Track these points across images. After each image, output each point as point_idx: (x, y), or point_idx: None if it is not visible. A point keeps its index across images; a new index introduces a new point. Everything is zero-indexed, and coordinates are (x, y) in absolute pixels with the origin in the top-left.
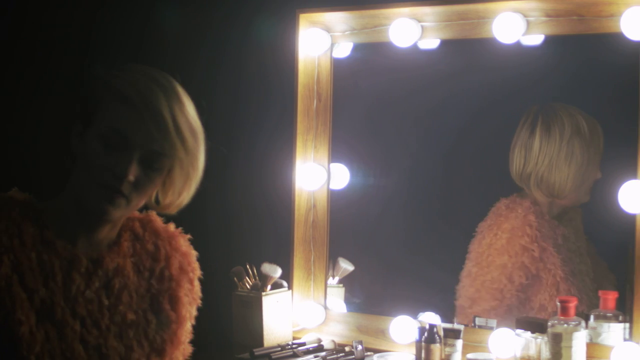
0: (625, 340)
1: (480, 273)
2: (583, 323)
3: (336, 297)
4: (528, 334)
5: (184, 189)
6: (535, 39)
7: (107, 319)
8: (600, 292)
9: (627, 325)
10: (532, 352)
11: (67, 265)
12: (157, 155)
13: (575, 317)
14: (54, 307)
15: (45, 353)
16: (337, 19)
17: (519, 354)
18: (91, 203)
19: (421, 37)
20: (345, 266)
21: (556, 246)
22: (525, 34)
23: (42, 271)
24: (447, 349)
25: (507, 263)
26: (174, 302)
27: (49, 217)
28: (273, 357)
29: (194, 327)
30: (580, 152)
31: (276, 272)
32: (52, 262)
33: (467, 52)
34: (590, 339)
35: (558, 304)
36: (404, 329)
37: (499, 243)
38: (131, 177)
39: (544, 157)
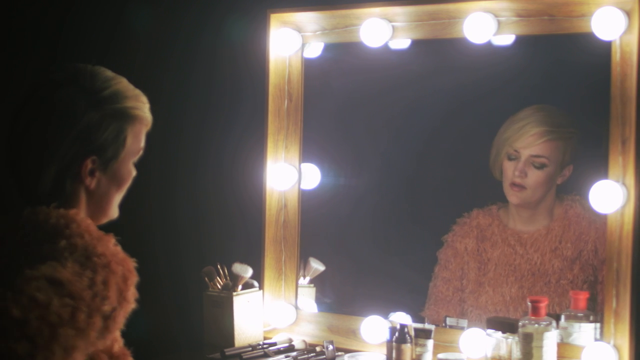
0: (596, 340)
1: None
2: (554, 323)
3: (307, 297)
4: (499, 334)
5: None
6: (506, 39)
7: None
8: (571, 292)
9: (598, 325)
10: (503, 352)
11: None
12: None
13: (546, 317)
14: None
15: None
16: (308, 19)
17: (490, 354)
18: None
19: (392, 37)
20: (316, 266)
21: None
22: (496, 34)
23: None
24: (418, 349)
25: None
26: None
27: None
28: (244, 357)
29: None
30: None
31: (247, 272)
32: None
33: (438, 52)
34: (561, 339)
35: (529, 303)
36: (374, 329)
37: None
38: None
39: None
